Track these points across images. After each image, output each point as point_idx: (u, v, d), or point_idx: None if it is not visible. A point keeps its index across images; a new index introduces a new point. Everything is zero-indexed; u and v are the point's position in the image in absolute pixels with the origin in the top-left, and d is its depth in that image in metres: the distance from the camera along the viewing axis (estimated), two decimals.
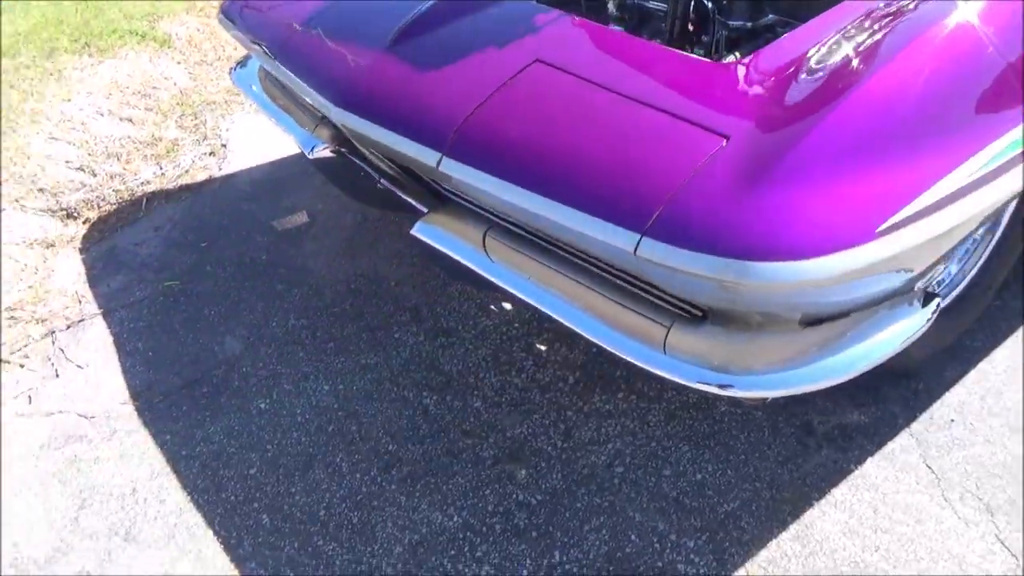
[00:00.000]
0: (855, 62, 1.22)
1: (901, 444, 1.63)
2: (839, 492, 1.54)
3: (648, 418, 1.72)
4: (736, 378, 1.25)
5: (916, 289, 1.33)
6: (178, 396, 1.85)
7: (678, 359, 1.28)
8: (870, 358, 1.24)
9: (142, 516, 1.58)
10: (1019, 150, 1.21)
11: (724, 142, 1.17)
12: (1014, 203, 1.80)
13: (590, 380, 1.81)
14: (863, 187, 1.10)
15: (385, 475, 1.63)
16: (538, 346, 1.92)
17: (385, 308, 2.08)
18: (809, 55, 1.30)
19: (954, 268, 1.81)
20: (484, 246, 1.53)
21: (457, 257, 1.55)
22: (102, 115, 3.08)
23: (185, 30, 3.89)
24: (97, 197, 2.65)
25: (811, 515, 1.50)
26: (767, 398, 1.33)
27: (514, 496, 1.57)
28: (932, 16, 1.24)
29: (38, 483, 1.66)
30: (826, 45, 1.31)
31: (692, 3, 1.80)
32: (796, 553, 1.44)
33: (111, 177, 2.76)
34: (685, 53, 1.40)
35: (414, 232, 1.62)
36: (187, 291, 2.20)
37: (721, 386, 1.26)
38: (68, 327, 2.08)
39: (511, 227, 1.52)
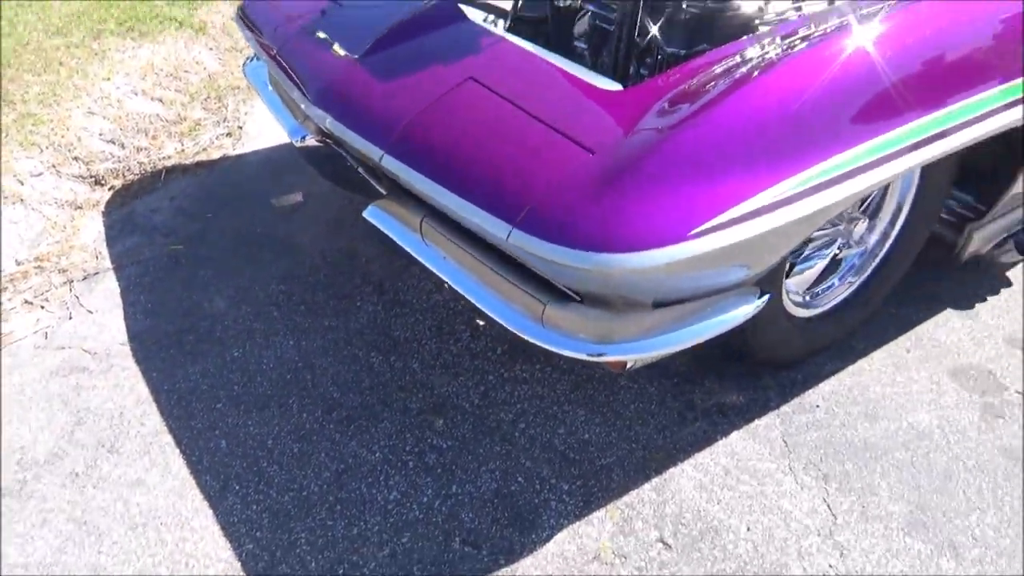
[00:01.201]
0: (705, 95, 1.49)
1: (767, 422, 1.89)
2: (701, 456, 1.81)
3: (557, 386, 2.00)
4: (602, 347, 1.53)
5: (756, 284, 1.59)
6: (168, 341, 2.19)
7: (553, 331, 1.56)
8: (704, 334, 1.52)
9: (125, 434, 1.92)
10: (833, 175, 1.45)
11: (590, 155, 1.45)
12: (899, 225, 2.04)
13: (516, 352, 2.10)
14: (685, 198, 1.36)
15: (327, 416, 1.94)
16: (478, 320, 2.21)
17: (354, 280, 2.40)
18: (682, 85, 1.57)
19: (836, 281, 2.06)
20: (421, 230, 1.83)
21: (396, 239, 1.84)
22: (136, 94, 3.45)
23: (220, 18, 4.25)
24: (123, 168, 3.01)
25: (672, 472, 1.77)
26: (627, 364, 1.59)
27: (429, 440, 1.87)
28: (782, 56, 1.50)
29: (46, 402, 2.01)
30: (697, 77, 1.58)
31: (636, 30, 2.06)
32: (652, 500, 1.72)
33: (138, 150, 3.12)
34: (582, 77, 1.67)
35: (365, 215, 1.92)
36: (189, 254, 2.54)
37: (590, 354, 1.55)
38: (84, 278, 2.44)
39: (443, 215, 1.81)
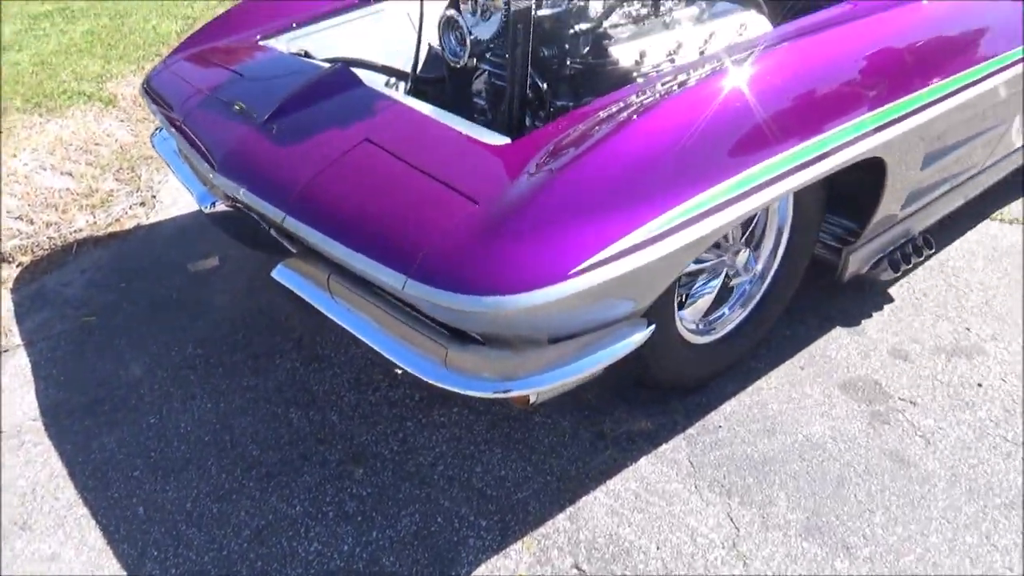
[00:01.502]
0: (585, 140, 1.61)
1: (674, 445, 1.99)
2: (612, 483, 1.89)
3: (474, 427, 2.06)
4: (505, 384, 1.61)
5: (646, 315, 1.71)
6: (82, 413, 2.17)
7: (457, 373, 1.63)
8: (597, 365, 1.61)
9: (38, 510, 1.89)
10: (705, 208, 1.58)
11: (475, 205, 1.55)
12: (781, 252, 2.20)
13: (433, 398, 2.16)
14: (565, 238, 1.47)
15: (246, 475, 1.95)
16: (396, 370, 2.27)
17: (272, 339, 2.42)
18: (564, 133, 1.69)
19: (727, 309, 2.19)
20: (328, 286, 1.88)
21: (304, 296, 1.89)
22: (44, 169, 3.43)
23: (130, 90, 4.27)
24: (32, 243, 2.98)
25: (585, 500, 1.85)
26: (530, 399, 1.67)
27: (349, 489, 1.90)
28: (657, 101, 1.65)
29: None
30: (579, 125, 1.71)
31: (526, 86, 2.19)
32: (566, 528, 1.78)
33: (47, 225, 3.09)
34: (469, 134, 1.78)
35: (274, 275, 1.97)
36: (102, 325, 2.53)
37: (495, 391, 1.62)
38: None
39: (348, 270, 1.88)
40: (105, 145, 3.71)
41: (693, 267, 2.00)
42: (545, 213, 1.49)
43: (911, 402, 2.12)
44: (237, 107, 2.07)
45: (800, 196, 2.08)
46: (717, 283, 2.09)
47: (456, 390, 1.62)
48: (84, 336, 2.49)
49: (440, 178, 1.63)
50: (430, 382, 1.62)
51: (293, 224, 1.76)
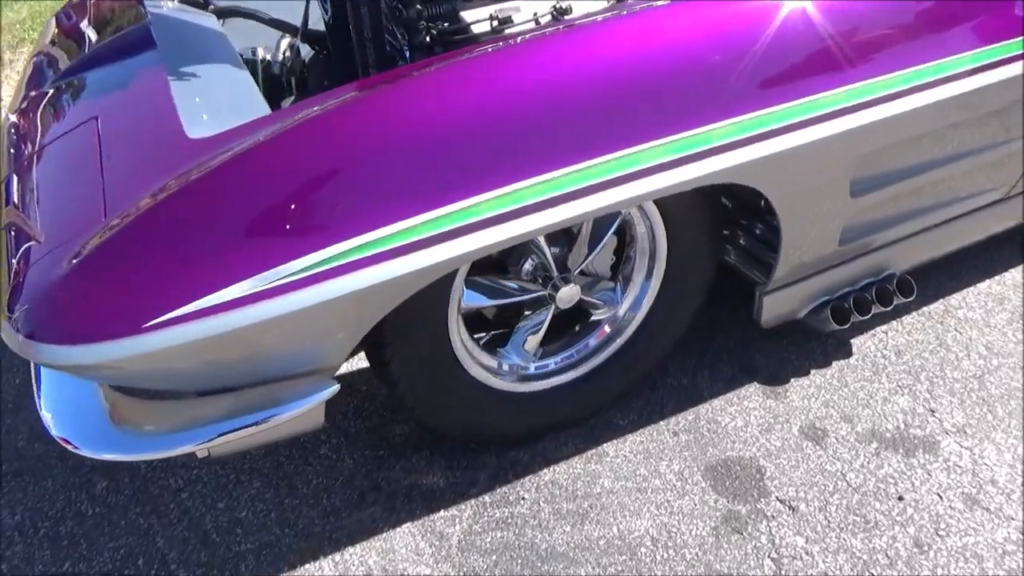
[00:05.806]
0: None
1: (453, 515, 1.61)
2: (351, 551, 1.56)
3: (251, 453, 1.79)
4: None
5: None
6: None
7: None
8: (263, 424, 1.27)
9: None
10: (316, 271, 1.17)
11: (101, 221, 1.23)
12: (653, 293, 1.71)
13: None
14: (140, 290, 1.13)
15: None
16: None
17: None
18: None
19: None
20: None
21: None
22: None
23: None
24: None
25: (307, 568, 1.53)
26: (198, 454, 1.36)
27: (78, 505, 1.69)
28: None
29: None
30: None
31: (381, 47, 1.83)
32: None
33: None
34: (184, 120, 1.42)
35: None
36: None
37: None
38: None
39: None
40: None
41: (491, 304, 1.58)
42: (148, 244, 1.15)
43: (790, 506, 1.60)
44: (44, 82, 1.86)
45: (671, 222, 1.59)
46: (537, 323, 1.65)
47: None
48: None
49: (105, 189, 1.31)
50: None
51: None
